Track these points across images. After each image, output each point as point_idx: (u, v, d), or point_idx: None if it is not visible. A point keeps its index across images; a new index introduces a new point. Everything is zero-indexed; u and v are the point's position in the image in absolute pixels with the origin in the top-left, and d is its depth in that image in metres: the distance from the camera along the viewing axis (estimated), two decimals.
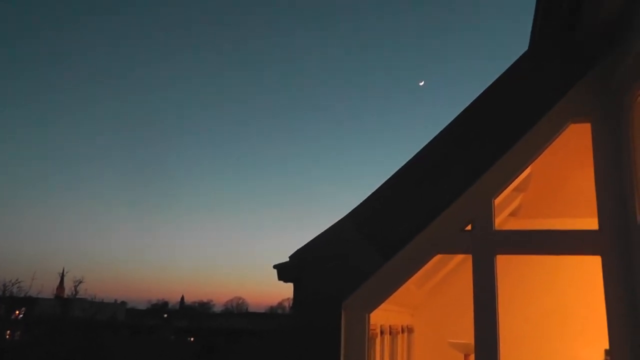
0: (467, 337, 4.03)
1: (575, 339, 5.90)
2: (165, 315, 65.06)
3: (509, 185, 3.50)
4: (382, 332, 4.70)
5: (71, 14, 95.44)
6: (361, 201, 3.47)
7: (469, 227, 3.34)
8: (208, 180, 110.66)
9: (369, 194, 3.48)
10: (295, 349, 3.50)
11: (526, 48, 3.66)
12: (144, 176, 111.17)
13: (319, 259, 3.46)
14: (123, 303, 62.03)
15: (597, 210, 3.16)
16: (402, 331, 5.87)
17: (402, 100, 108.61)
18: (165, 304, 75.18)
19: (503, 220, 5.87)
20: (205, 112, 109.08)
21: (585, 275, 4.31)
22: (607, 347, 3.01)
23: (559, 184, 5.31)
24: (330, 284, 3.39)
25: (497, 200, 3.42)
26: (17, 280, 27.21)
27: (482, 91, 3.49)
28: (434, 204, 3.36)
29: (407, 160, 3.48)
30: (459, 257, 5.04)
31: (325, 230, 3.46)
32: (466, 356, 5.74)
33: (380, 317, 4.33)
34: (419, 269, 3.41)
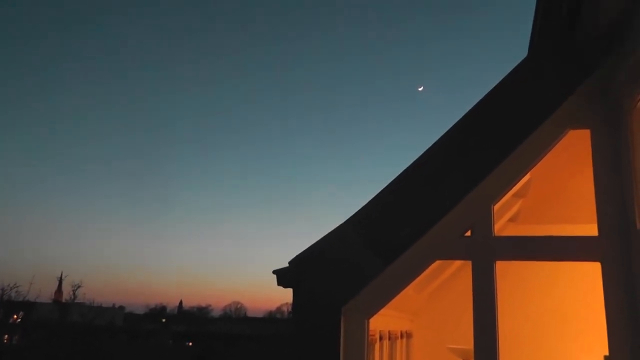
0: (467, 342, 4.02)
1: (574, 343, 5.88)
2: (164, 320, 64.97)
3: (508, 191, 3.51)
4: (381, 338, 4.69)
5: (76, 16, 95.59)
6: (361, 206, 3.48)
7: (468, 233, 3.34)
8: (207, 184, 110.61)
9: (369, 199, 3.48)
10: (295, 355, 3.49)
11: (526, 54, 3.67)
12: (143, 181, 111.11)
13: (318, 264, 3.46)
14: (121, 308, 61.95)
15: (596, 216, 3.16)
16: (401, 336, 5.86)
17: (400, 105, 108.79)
18: (163, 309, 75.03)
19: (502, 226, 5.87)
20: (204, 117, 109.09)
21: (585, 279, 4.29)
22: (607, 353, 3.00)
23: (558, 189, 5.32)
24: (330, 289, 3.39)
25: (497, 206, 3.43)
26: (15, 284, 27.19)
27: (481, 97, 3.50)
28: (433, 210, 3.37)
29: (407, 166, 3.49)
30: (458, 262, 5.04)
31: (325, 236, 3.46)
32: None
33: (380, 322, 4.32)
34: (418, 275, 3.41)
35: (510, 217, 5.87)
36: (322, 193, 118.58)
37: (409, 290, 4.20)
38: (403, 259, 3.33)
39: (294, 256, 3.48)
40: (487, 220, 3.30)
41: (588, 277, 3.57)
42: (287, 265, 3.49)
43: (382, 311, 3.42)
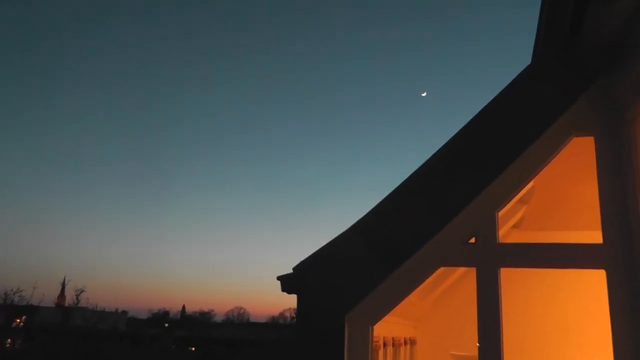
0: (470, 349, 4.01)
1: (578, 352, 5.86)
2: (167, 325, 64.86)
3: (512, 198, 3.51)
4: (385, 344, 4.69)
5: (77, 17, 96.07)
6: (365, 213, 3.48)
7: (472, 240, 3.35)
8: (210, 189, 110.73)
9: (373, 206, 3.49)
10: None
11: (529, 61, 3.68)
12: (145, 185, 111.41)
13: (322, 270, 3.47)
14: (124, 312, 62.03)
15: (601, 224, 3.16)
16: (405, 343, 5.85)
17: (407, 110, 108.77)
18: (166, 314, 74.99)
19: (506, 232, 5.86)
20: (208, 120, 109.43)
21: (589, 287, 4.29)
22: None
23: (562, 196, 5.31)
24: (334, 295, 3.39)
25: (501, 213, 3.43)
26: (18, 288, 27.33)
27: (485, 103, 3.51)
28: (437, 216, 3.37)
29: (410, 172, 3.49)
30: (462, 269, 5.03)
31: (329, 242, 3.47)
32: None
33: (383, 329, 4.32)
34: (422, 282, 3.41)
35: (514, 223, 5.87)
36: (326, 198, 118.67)
37: (413, 297, 4.20)
38: (407, 265, 3.33)
39: (297, 262, 3.49)
40: (491, 228, 3.31)
41: (592, 285, 3.56)
42: (291, 271, 3.50)
43: (386, 317, 3.42)
